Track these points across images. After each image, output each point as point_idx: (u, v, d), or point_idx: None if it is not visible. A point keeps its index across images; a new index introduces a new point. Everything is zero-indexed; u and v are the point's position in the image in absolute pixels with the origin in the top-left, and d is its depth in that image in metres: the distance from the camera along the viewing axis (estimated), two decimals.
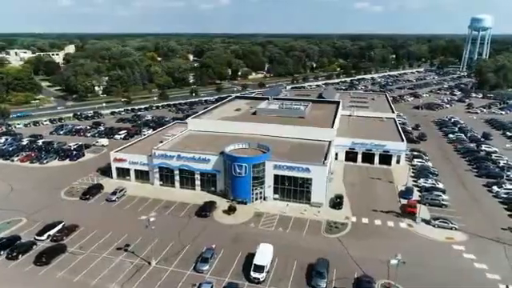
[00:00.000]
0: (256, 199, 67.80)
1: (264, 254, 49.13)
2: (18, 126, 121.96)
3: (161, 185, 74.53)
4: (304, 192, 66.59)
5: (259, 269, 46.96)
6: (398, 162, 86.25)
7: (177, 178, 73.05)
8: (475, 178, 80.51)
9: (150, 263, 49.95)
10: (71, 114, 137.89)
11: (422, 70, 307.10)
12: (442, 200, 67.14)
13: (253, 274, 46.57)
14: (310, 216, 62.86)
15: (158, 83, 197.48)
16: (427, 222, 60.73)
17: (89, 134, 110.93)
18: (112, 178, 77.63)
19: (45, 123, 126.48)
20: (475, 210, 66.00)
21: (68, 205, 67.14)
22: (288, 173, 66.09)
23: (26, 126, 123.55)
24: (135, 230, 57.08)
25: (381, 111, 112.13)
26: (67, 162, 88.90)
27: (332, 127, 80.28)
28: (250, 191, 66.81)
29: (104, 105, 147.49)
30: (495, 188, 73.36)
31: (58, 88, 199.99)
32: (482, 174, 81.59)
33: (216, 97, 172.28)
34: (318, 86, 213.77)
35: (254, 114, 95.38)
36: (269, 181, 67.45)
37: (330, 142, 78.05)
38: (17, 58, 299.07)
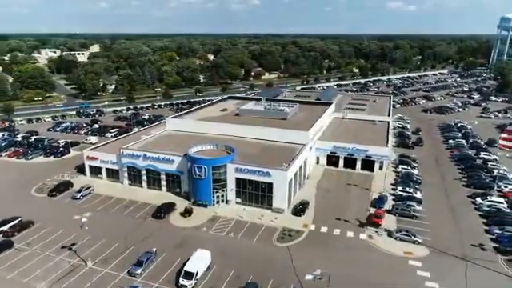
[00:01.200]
0: (217, 202, 66.14)
1: (198, 261, 47.45)
2: (20, 122, 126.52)
3: (129, 184, 74.40)
4: (266, 197, 64.25)
5: (188, 276, 45.33)
6: (380, 168, 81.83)
7: (144, 177, 72.64)
8: (462, 188, 74.94)
9: (86, 264, 49.55)
10: (74, 112, 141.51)
11: (445, 71, 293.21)
12: (414, 211, 62.66)
13: (181, 281, 45.00)
14: (267, 222, 60.44)
15: (167, 82, 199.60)
16: (390, 234, 56.87)
17: (82, 132, 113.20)
18: (86, 175, 78.53)
19: (46, 120, 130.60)
20: (449, 223, 61.15)
21: (34, 201, 68.26)
22: (249, 176, 63.92)
23: (29, 122, 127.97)
24: (85, 228, 57.07)
25: (376, 114, 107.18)
26: (52, 158, 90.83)
27: (308, 130, 77.09)
28: (210, 194, 65.22)
29: (106, 103, 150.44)
30: (478, 200, 67.84)
31: (74, 86, 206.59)
32: (470, 183, 75.88)
33: (220, 97, 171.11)
34: (328, 87, 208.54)
35: (238, 115, 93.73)
36: (231, 184, 65.64)
37: (303, 145, 75.21)
38: (45, 57, 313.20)
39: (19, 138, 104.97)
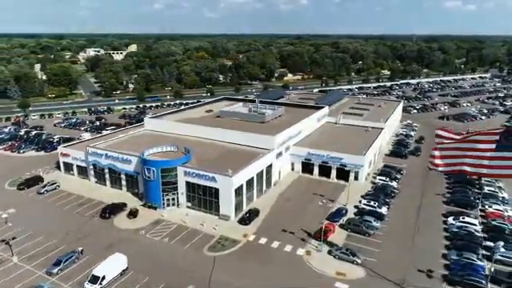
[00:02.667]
0: (168, 205, 65.23)
1: (110, 265, 46.71)
2: (33, 118, 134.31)
3: (96, 182, 75.72)
4: (213, 202, 62.31)
5: (95, 279, 44.74)
6: (355, 178, 76.51)
7: (107, 176, 73.54)
8: (441, 205, 67.87)
9: (13, 259, 50.72)
10: (86, 109, 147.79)
11: (487, 75, 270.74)
12: (368, 227, 57.55)
13: (86, 285, 44.53)
14: (208, 229, 58.43)
15: (185, 82, 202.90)
16: (330, 251, 52.61)
17: (82, 128, 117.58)
18: (61, 171, 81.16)
19: (58, 116, 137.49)
20: (405, 244, 55.37)
21: (3, 193, 71.48)
22: (198, 181, 62.35)
23: (41, 117, 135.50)
24: (32, 224, 58.69)
25: (373, 120, 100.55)
26: (42, 153, 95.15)
27: (274, 135, 73.82)
28: (160, 196, 64.46)
29: (116, 101, 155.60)
30: (450, 219, 61.01)
31: (100, 84, 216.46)
32: (451, 200, 68.60)
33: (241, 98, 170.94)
34: (349, 89, 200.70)
35: (218, 116, 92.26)
36: (181, 187, 64.42)
37: (268, 150, 72.21)
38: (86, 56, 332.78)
39: (22, 132, 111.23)
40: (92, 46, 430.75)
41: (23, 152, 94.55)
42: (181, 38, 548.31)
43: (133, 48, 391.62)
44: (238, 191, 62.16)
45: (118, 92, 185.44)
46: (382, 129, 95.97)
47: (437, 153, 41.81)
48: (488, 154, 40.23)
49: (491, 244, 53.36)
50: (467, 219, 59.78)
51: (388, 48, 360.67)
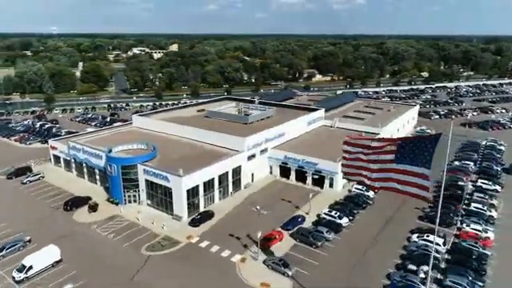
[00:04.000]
0: (130, 201, 66.37)
1: (40, 256, 48.41)
2: (55, 112, 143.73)
3: (77, 175, 79.12)
4: (168, 202, 62.35)
5: (22, 268, 46.62)
6: (330, 185, 72.63)
7: (85, 170, 76.50)
8: (413, 220, 62.24)
9: None
10: (106, 105, 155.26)
11: None
12: (315, 238, 54.28)
13: (13, 273, 46.60)
14: (156, 228, 58.53)
15: (209, 81, 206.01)
16: (265, 261, 50.31)
17: (93, 124, 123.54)
18: (52, 163, 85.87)
19: (78, 111, 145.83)
20: (351, 259, 51.44)
21: None
22: (154, 179, 62.77)
23: (63, 112, 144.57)
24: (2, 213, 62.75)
25: (374, 125, 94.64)
26: (45, 145, 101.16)
27: (245, 137, 72.20)
28: (121, 193, 65.76)
29: (134, 98, 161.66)
30: (414, 237, 55.76)
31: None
32: (426, 215, 62.68)
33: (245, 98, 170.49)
34: (376, 92, 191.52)
35: (207, 116, 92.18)
36: (142, 185, 65.21)
37: (238, 152, 70.92)
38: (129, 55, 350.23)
39: (37, 125, 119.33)
40: (139, 45, 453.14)
41: (29, 144, 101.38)
42: (228, 37, 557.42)
43: (174, 47, 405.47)
44: (193, 192, 61.64)
45: (146, 89, 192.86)
46: (378, 134, 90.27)
47: (344, 161, 38.88)
48: (387, 165, 36.52)
49: (413, 267, 48.06)
50: (431, 238, 54.18)
51: (434, 49, 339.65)
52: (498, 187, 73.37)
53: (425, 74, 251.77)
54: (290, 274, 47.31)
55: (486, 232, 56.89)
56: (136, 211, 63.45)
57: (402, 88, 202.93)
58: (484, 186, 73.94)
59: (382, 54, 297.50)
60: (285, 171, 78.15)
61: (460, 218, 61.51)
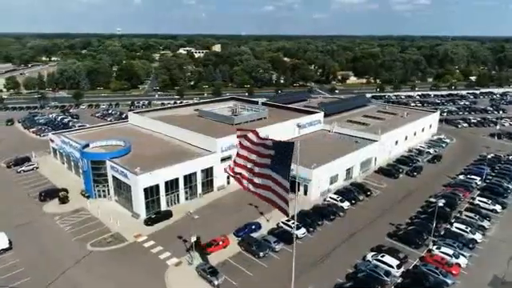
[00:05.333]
0: (100, 196, 67.92)
1: None
2: (82, 107, 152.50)
3: (67, 168, 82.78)
4: (130, 198, 62.76)
5: None
6: (305, 192, 68.67)
7: (72, 163, 79.77)
8: (381, 238, 56.51)
9: None
10: (129, 102, 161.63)
11: None
12: (257, 248, 51.36)
13: None
14: (111, 224, 59.07)
15: (236, 81, 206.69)
16: (208, 269, 48.30)
17: (108, 119, 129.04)
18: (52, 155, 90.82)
19: (102, 106, 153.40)
20: (291, 274, 47.92)
21: None
22: (118, 176, 63.57)
23: (89, 107, 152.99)
24: None
25: (373, 132, 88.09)
26: None
27: (217, 138, 70.61)
28: (91, 187, 67.49)
29: (156, 96, 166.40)
30: (369, 255, 50.62)
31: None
32: (394, 233, 56.76)
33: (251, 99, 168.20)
34: (409, 96, 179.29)
35: (200, 116, 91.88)
36: (110, 181, 66.40)
37: (211, 152, 69.69)
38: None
39: (58, 118, 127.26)
40: (188, 46, 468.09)
41: (43, 136, 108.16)
42: (281, 38, 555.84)
43: (217, 47, 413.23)
44: (152, 191, 61.45)
45: (176, 88, 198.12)
46: (376, 141, 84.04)
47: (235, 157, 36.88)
48: (263, 170, 33.78)
49: None
50: (386, 258, 48.82)
51: (491, 51, 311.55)
52: (498, 207, 64.51)
53: (474, 78, 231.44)
54: (216, 283, 45.14)
55: (458, 257, 50.04)
56: (99, 206, 64.45)
57: (439, 93, 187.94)
58: (482, 204, 65.53)
59: (431, 57, 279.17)
60: None
61: (436, 239, 54.92)
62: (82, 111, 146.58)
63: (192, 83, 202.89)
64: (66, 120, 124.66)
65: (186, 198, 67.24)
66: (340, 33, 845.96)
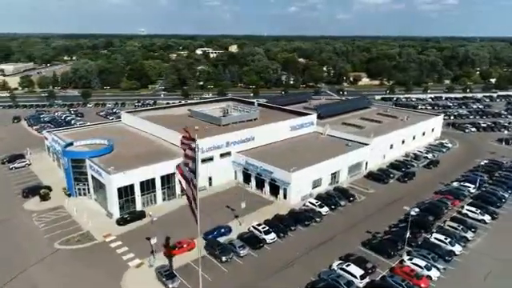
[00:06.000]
0: (80, 194, 68.55)
1: None
2: (89, 106, 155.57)
3: (57, 166, 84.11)
4: (105, 198, 62.93)
5: None
6: (284, 196, 67.02)
7: (61, 161, 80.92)
8: (354, 246, 54.22)
9: None
10: (136, 101, 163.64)
11: None
12: (221, 252, 50.28)
13: None
14: (85, 223, 59.35)
15: (245, 82, 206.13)
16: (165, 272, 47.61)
17: (110, 118, 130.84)
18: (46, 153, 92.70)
19: (108, 105, 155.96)
20: (250, 280, 46.60)
21: None
22: (95, 175, 63.92)
23: (95, 106, 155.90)
24: None
25: (367, 136, 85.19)
26: None
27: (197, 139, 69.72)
28: (72, 185, 68.18)
29: (162, 96, 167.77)
30: (334, 264, 48.54)
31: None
32: (368, 242, 54.30)
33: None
34: (420, 99, 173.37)
35: (191, 116, 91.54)
36: (89, 179, 66.87)
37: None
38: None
39: (62, 117, 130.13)
40: (206, 46, 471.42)
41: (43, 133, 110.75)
42: (303, 39, 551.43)
43: (233, 48, 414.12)
44: (126, 190, 61.41)
45: (185, 87, 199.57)
46: (367, 145, 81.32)
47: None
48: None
49: None
50: (351, 268, 46.69)
51: None
52: (487, 217, 60.85)
53: (494, 81, 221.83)
54: (170, 286, 44.39)
55: (430, 269, 47.31)
56: (77, 204, 64.97)
57: (453, 95, 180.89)
58: (470, 214, 62.00)
59: (451, 58, 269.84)
60: (248, 177, 74.27)
61: (411, 249, 52.25)
62: (89, 110, 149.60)
63: (201, 83, 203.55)
64: (68, 118, 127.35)
65: (164, 199, 66.94)
66: (365, 33, 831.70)
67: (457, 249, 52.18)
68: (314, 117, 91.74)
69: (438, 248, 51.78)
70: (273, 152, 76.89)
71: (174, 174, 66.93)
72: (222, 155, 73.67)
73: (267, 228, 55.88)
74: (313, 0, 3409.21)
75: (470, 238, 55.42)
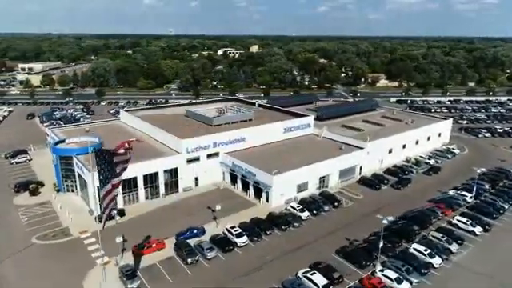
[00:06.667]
0: (68, 190, 70.04)
1: None
2: (102, 104, 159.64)
3: None
4: (88, 195, 63.95)
5: None
6: (267, 199, 65.68)
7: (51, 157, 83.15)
8: (327, 254, 52.28)
9: None
10: (147, 100, 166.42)
11: None
12: (187, 254, 49.68)
13: None
14: (66, 219, 60.54)
15: (258, 82, 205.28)
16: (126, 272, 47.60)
17: (118, 116, 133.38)
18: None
19: (121, 103, 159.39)
20: (205, 284, 45.80)
21: None
22: (79, 172, 65.09)
23: (109, 104, 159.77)
24: None
25: (364, 140, 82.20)
26: None
27: (182, 138, 69.72)
28: (61, 181, 69.77)
29: (173, 95, 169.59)
30: (300, 272, 46.82)
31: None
32: (341, 250, 52.10)
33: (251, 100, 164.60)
34: (438, 101, 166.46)
35: (186, 116, 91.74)
36: (77, 176, 68.22)
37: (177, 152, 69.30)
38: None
39: (73, 114, 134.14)
40: (230, 46, 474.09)
41: None
42: (328, 39, 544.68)
43: (254, 48, 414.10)
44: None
45: (199, 87, 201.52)
46: (362, 148, 78.58)
47: None
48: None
49: None
50: (315, 277, 44.91)
51: None
52: (478, 229, 57.10)
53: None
54: (129, 286, 44.31)
55: (400, 282, 44.78)
56: (63, 200, 66.43)
57: (474, 99, 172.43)
58: (461, 225, 58.44)
59: (479, 59, 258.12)
60: (235, 179, 73.45)
61: (387, 259, 49.77)
62: (102, 108, 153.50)
63: (215, 83, 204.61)
64: (78, 116, 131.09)
65: (147, 198, 67.25)
66: (397, 34, 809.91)
67: (436, 261, 49.17)
68: (310, 119, 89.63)
69: (414, 259, 49.01)
70: (262, 154, 75.67)
71: (157, 173, 67.49)
72: (209, 156, 73.21)
73: (240, 231, 54.89)
74: (343, 0, 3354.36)
75: (453, 251, 52.12)
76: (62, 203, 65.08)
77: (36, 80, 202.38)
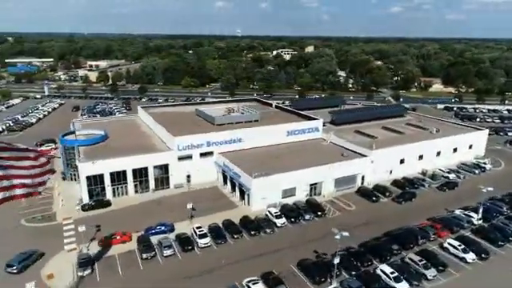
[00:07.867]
0: (71, 179, 74.82)
1: None
2: (143, 100, 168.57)
3: None
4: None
5: None
6: (248, 202, 64.10)
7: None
8: (288, 264, 49.51)
9: None
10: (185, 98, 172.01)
11: None
12: (144, 247, 50.45)
13: None
14: (57, 205, 64.93)
15: (298, 83, 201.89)
16: (81, 260, 49.69)
17: None
18: None
19: (159, 101, 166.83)
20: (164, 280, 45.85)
21: None
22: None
23: (149, 101, 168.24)
24: None
25: (382, 147, 76.42)
26: None
27: (175, 136, 70.67)
28: (65, 169, 74.94)
29: (209, 94, 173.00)
30: (245, 280, 44.90)
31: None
32: (300, 263, 48.94)
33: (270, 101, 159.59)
34: (494, 110, 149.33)
35: (197, 115, 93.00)
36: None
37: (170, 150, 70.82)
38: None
39: (112, 108, 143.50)
40: (288, 47, 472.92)
41: None
42: (390, 40, 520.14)
43: (310, 49, 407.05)
44: (96, 179, 65.31)
45: (239, 87, 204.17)
46: (366, 156, 73.34)
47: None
48: None
49: None
50: (257, 287, 42.76)
51: None
52: (470, 256, 50.03)
53: None
54: (79, 274, 46.22)
55: None
56: (65, 188, 71.22)
57: None
58: (451, 249, 51.78)
59: None
60: (226, 180, 72.93)
61: (346, 278, 45.84)
62: (141, 104, 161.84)
63: (255, 83, 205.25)
64: (115, 110, 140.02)
65: (136, 191, 69.49)
66: (482, 35, 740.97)
67: (401, 286, 44.11)
68: (318, 122, 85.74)
69: (376, 282, 44.46)
70: (257, 156, 74.12)
71: (146, 168, 69.46)
72: (202, 154, 73.53)
73: (204, 232, 54.40)
74: (418, 0, 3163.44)
75: (429, 277, 46.28)
76: (60, 190, 69.87)
77: (93, 76, 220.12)
